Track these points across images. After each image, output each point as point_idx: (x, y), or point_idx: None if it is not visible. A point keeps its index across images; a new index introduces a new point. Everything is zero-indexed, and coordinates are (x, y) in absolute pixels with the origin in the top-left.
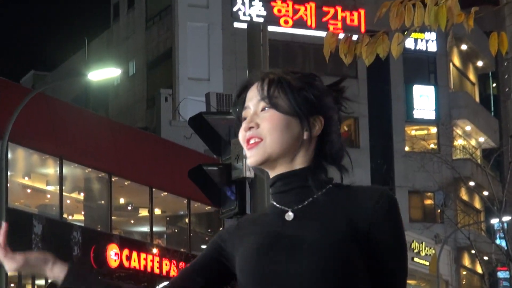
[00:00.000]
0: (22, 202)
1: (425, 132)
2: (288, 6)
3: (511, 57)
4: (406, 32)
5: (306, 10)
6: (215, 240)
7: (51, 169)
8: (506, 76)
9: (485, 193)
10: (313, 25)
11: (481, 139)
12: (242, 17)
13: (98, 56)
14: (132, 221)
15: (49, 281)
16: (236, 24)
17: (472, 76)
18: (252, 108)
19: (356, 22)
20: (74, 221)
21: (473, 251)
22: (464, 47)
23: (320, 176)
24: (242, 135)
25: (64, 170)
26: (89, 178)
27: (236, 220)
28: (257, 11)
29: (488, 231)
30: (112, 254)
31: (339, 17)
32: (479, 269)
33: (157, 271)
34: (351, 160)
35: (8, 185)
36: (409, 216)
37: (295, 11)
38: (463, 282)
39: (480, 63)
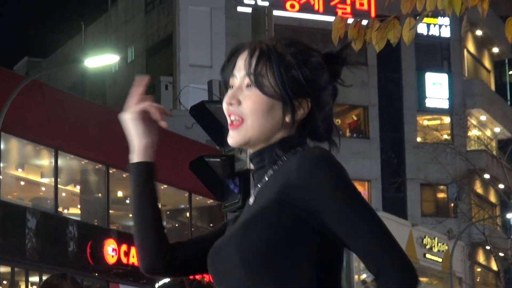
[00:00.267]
0: (15, 195)
1: (438, 122)
2: None
3: None
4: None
5: None
6: (225, 223)
7: (46, 161)
8: None
9: (501, 186)
10: (321, 9)
11: (497, 129)
12: (246, 1)
13: (95, 41)
14: (131, 215)
15: (43, 278)
16: (240, 8)
17: (487, 63)
18: (238, 79)
19: (365, 6)
20: (69, 215)
21: (488, 247)
22: (479, 32)
23: (275, 151)
24: (225, 107)
25: (59, 162)
26: (85, 170)
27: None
28: None
29: (503, 226)
30: (110, 250)
31: (348, 1)
32: (494, 266)
33: None
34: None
35: (1, 177)
36: (421, 210)
37: None
38: (477, 280)
39: (495, 50)
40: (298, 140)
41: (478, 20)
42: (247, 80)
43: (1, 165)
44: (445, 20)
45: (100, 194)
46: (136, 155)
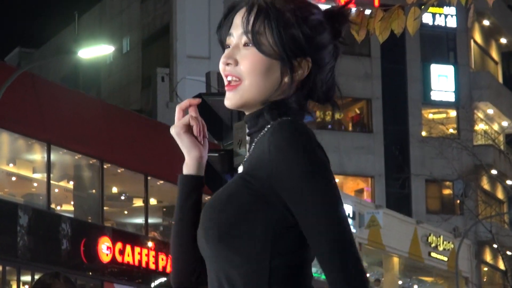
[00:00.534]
0: (7, 191)
1: (443, 115)
2: None
3: None
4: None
5: None
6: None
7: (38, 155)
8: None
9: (509, 182)
10: None
11: (505, 123)
12: None
13: (89, 32)
14: (126, 212)
15: (36, 277)
16: None
17: (495, 54)
18: (235, 38)
19: None
20: (62, 212)
21: (495, 246)
22: (486, 22)
23: (264, 115)
24: (221, 67)
25: (52, 156)
26: (79, 165)
27: None
28: None
29: (511, 223)
30: (104, 248)
31: None
32: (501, 265)
33: (152, 266)
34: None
35: None
36: (426, 207)
37: None
38: (484, 279)
39: (503, 40)
40: (290, 106)
41: (485, 10)
42: (244, 39)
43: None
44: (451, 10)
45: (94, 190)
46: (185, 167)
